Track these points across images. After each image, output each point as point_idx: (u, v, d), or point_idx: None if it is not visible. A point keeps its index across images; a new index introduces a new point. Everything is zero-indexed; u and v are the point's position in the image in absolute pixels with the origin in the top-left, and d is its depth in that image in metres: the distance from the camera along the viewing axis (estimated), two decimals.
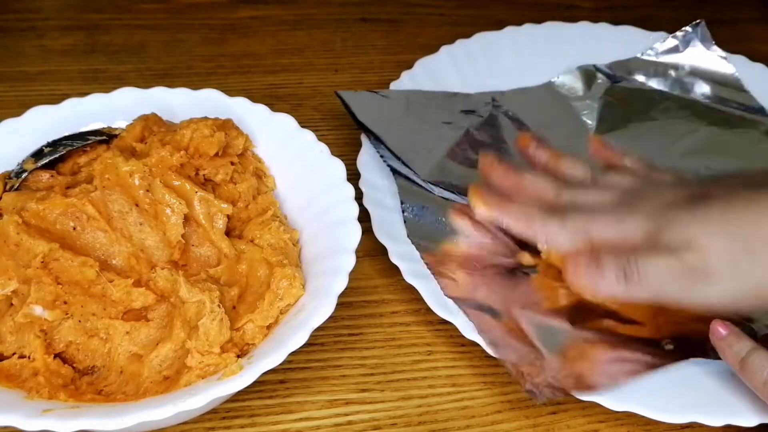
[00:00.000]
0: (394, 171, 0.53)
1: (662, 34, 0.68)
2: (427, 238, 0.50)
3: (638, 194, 0.47)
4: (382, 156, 0.53)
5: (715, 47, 0.67)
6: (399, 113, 0.57)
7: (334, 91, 0.57)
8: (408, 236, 0.50)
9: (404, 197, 0.52)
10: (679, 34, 0.68)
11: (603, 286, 0.43)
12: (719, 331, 0.43)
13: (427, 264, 0.48)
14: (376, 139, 0.54)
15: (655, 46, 0.68)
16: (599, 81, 0.65)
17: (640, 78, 0.67)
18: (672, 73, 0.67)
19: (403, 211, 0.51)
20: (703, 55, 0.67)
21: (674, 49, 0.68)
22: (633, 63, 0.67)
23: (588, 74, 0.66)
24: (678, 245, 0.42)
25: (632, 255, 0.42)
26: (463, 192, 0.53)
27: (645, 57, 0.68)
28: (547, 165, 0.53)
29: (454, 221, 0.51)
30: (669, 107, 0.64)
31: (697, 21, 0.68)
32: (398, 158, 0.53)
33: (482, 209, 0.48)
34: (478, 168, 0.53)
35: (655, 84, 0.66)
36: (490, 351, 0.44)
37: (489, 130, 0.59)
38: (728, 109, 0.64)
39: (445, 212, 0.52)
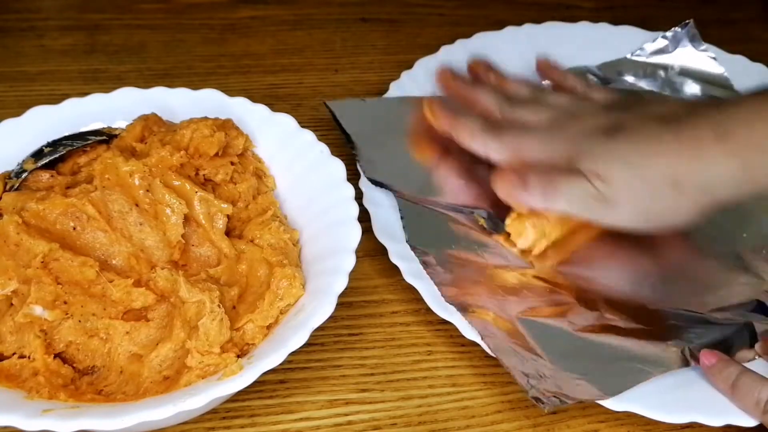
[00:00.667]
0: (388, 188, 0.52)
1: (658, 33, 0.68)
2: (427, 243, 0.50)
3: (570, 116, 0.51)
4: (367, 173, 0.53)
5: (704, 47, 0.68)
6: (389, 123, 0.57)
7: (323, 101, 0.57)
8: (407, 241, 0.49)
9: (401, 206, 0.52)
10: (668, 34, 0.68)
11: (526, 200, 0.48)
12: (708, 359, 0.44)
13: (426, 270, 0.48)
14: (363, 155, 0.53)
15: (644, 46, 0.68)
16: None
17: (630, 79, 0.67)
18: (662, 73, 0.67)
19: (402, 217, 0.51)
20: (693, 55, 0.67)
21: (664, 50, 0.68)
22: (623, 64, 0.67)
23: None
24: (591, 173, 0.46)
25: (553, 177, 0.47)
26: (456, 204, 0.53)
27: (634, 57, 0.68)
28: (496, 85, 0.57)
29: (472, 233, 0.52)
30: None
31: (686, 21, 0.68)
32: (384, 185, 0.52)
33: (434, 123, 0.54)
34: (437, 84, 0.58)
35: (645, 85, 0.66)
36: (499, 360, 0.44)
37: None
38: None
39: (444, 221, 0.52)
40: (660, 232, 0.48)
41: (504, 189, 0.48)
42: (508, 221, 0.50)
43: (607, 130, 0.48)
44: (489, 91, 0.55)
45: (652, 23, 0.70)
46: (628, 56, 0.68)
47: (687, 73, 0.67)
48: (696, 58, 0.67)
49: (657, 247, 0.52)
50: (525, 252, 0.50)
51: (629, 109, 0.50)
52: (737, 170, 0.44)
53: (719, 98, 0.48)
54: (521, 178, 0.48)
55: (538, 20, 0.69)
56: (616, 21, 0.70)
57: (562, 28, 0.69)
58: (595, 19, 0.70)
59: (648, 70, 0.67)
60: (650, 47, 0.68)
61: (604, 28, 0.69)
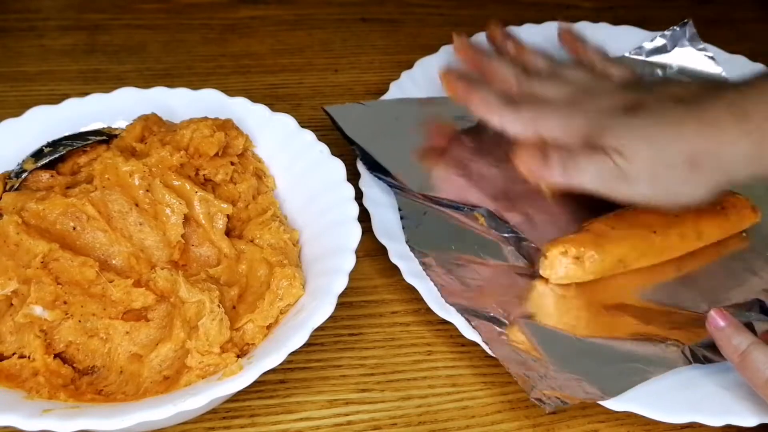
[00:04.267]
0: (390, 185, 0.53)
1: (658, 33, 0.68)
2: (426, 243, 0.50)
3: (588, 93, 0.51)
4: (370, 170, 0.53)
5: (702, 46, 0.67)
6: (388, 124, 0.57)
7: (321, 106, 0.57)
8: (407, 241, 0.50)
9: (402, 205, 0.52)
10: (667, 33, 0.68)
11: (546, 174, 0.48)
12: (717, 321, 0.43)
13: (426, 271, 0.48)
14: (365, 154, 0.54)
15: (643, 45, 0.68)
16: None
17: None
18: (659, 72, 0.67)
19: (401, 217, 0.51)
20: (691, 55, 0.67)
21: (662, 48, 0.68)
22: (621, 62, 0.67)
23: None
24: (611, 149, 0.46)
25: (574, 152, 0.48)
26: (458, 201, 0.53)
27: (633, 56, 0.68)
28: (514, 55, 0.58)
29: (471, 233, 0.52)
30: None
31: (685, 20, 0.68)
32: (389, 173, 0.53)
33: (451, 96, 0.54)
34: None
35: None
36: (501, 361, 0.44)
37: (477, 136, 0.59)
38: None
39: (444, 219, 0.52)
40: (674, 208, 0.49)
41: (525, 163, 0.49)
42: (541, 269, 0.49)
43: (626, 109, 0.48)
44: (507, 62, 0.55)
45: (652, 23, 0.70)
46: (627, 54, 0.68)
47: (685, 73, 0.67)
48: (694, 57, 0.67)
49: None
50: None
51: (647, 89, 0.51)
52: (753, 150, 0.45)
53: (736, 80, 0.49)
54: (542, 152, 0.48)
55: (538, 20, 0.69)
56: (616, 21, 0.70)
57: None
58: (595, 19, 0.70)
59: (646, 69, 0.67)
60: (649, 46, 0.68)
61: (604, 28, 0.69)
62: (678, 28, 0.68)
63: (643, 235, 0.50)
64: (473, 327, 0.45)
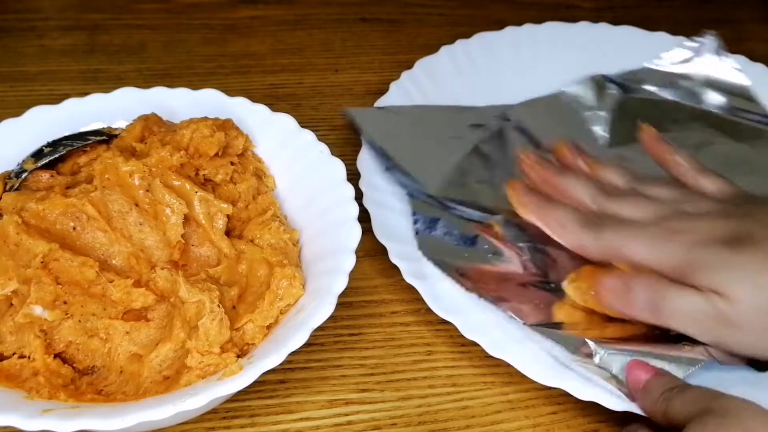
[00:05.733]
0: (404, 186, 0.53)
1: (662, 34, 0.68)
2: (439, 250, 0.50)
3: (680, 214, 0.45)
4: (387, 168, 0.53)
5: (727, 57, 0.66)
6: (406, 128, 0.57)
7: (342, 110, 0.57)
8: (419, 248, 0.50)
9: (416, 209, 0.52)
10: (691, 44, 0.67)
11: (631, 310, 0.44)
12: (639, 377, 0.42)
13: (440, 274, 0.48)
14: (384, 155, 0.54)
15: (666, 56, 0.66)
16: (610, 91, 0.64)
17: (651, 88, 0.65)
18: (684, 83, 0.65)
19: (414, 222, 0.51)
20: (717, 66, 0.66)
21: (686, 60, 0.66)
22: (644, 73, 0.66)
23: (599, 84, 0.64)
24: (710, 287, 0.41)
25: (663, 287, 0.42)
26: (475, 207, 0.53)
27: (656, 67, 0.66)
28: (588, 173, 0.52)
29: (486, 240, 0.51)
30: (681, 118, 0.63)
31: (711, 31, 0.67)
32: (408, 174, 0.53)
33: (520, 211, 0.49)
34: (515, 166, 0.53)
35: (666, 94, 0.65)
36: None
37: (496, 144, 0.59)
38: (742, 120, 0.63)
39: (458, 226, 0.52)
40: None
41: (607, 298, 0.44)
42: (566, 284, 0.48)
43: (728, 240, 0.42)
44: (580, 179, 0.50)
45: (652, 23, 0.70)
46: (649, 65, 0.66)
47: (710, 84, 0.65)
48: (720, 68, 0.66)
49: None
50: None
51: (749, 211, 0.45)
52: None
53: None
54: (626, 285, 0.43)
55: (538, 20, 0.69)
56: (616, 21, 0.70)
57: (562, 28, 0.69)
58: (595, 20, 0.70)
59: (669, 80, 0.66)
60: (673, 57, 0.66)
61: (604, 28, 0.69)
62: (703, 39, 0.66)
63: None
64: (506, 311, 0.46)
